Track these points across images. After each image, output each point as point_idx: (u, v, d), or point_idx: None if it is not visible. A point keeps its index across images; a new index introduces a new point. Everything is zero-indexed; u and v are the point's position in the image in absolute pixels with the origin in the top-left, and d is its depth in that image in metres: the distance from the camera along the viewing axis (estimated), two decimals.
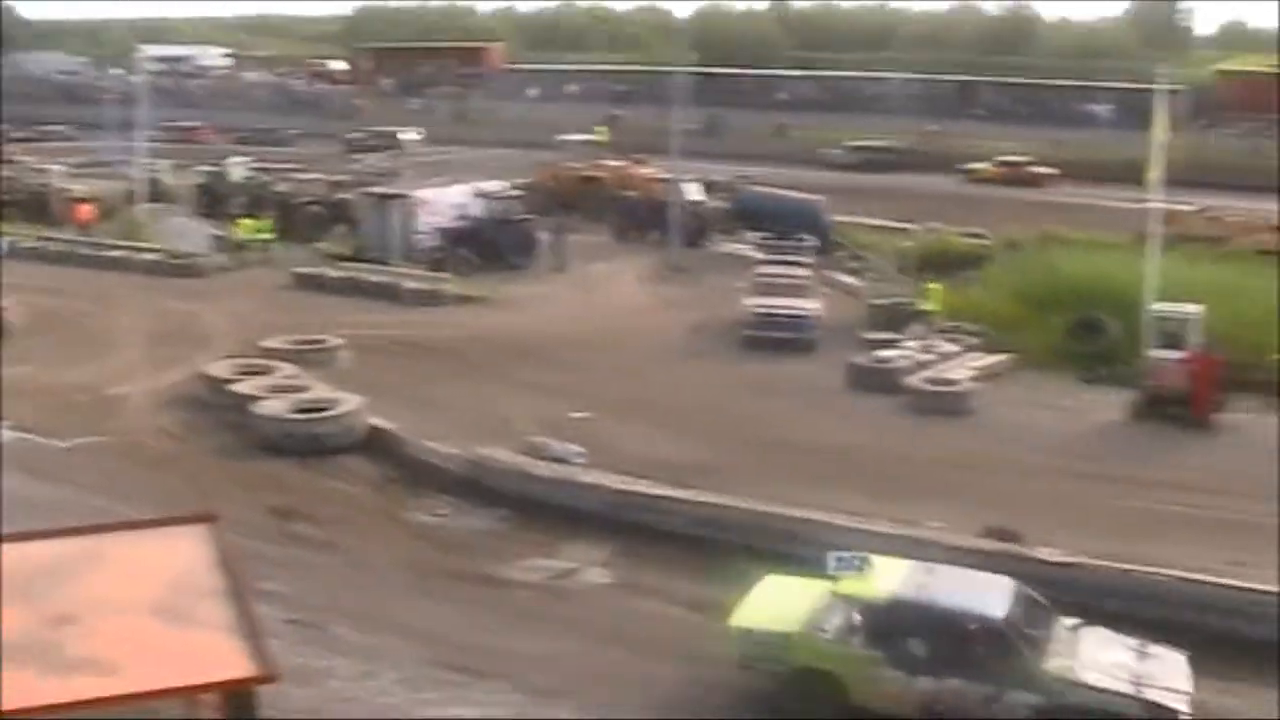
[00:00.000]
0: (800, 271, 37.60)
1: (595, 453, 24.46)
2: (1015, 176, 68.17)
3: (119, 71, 72.65)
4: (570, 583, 19.99)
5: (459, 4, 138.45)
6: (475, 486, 23.31)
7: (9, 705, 8.98)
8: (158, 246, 46.01)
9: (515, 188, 49.34)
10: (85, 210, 51.73)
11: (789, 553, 19.65)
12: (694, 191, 49.95)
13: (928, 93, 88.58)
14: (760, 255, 41.02)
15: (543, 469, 23.42)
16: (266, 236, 46.33)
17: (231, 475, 24.06)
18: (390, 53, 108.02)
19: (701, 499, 21.93)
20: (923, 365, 31.43)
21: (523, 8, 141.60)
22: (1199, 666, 15.53)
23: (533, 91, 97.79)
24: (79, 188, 55.71)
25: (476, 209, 45.39)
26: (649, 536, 21.14)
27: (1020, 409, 29.65)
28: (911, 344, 32.98)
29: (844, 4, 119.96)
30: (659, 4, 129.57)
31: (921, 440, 27.27)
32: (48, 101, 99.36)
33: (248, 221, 47.77)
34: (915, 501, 22.41)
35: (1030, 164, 69.89)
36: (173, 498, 21.67)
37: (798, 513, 21.01)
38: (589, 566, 20.44)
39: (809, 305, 35.16)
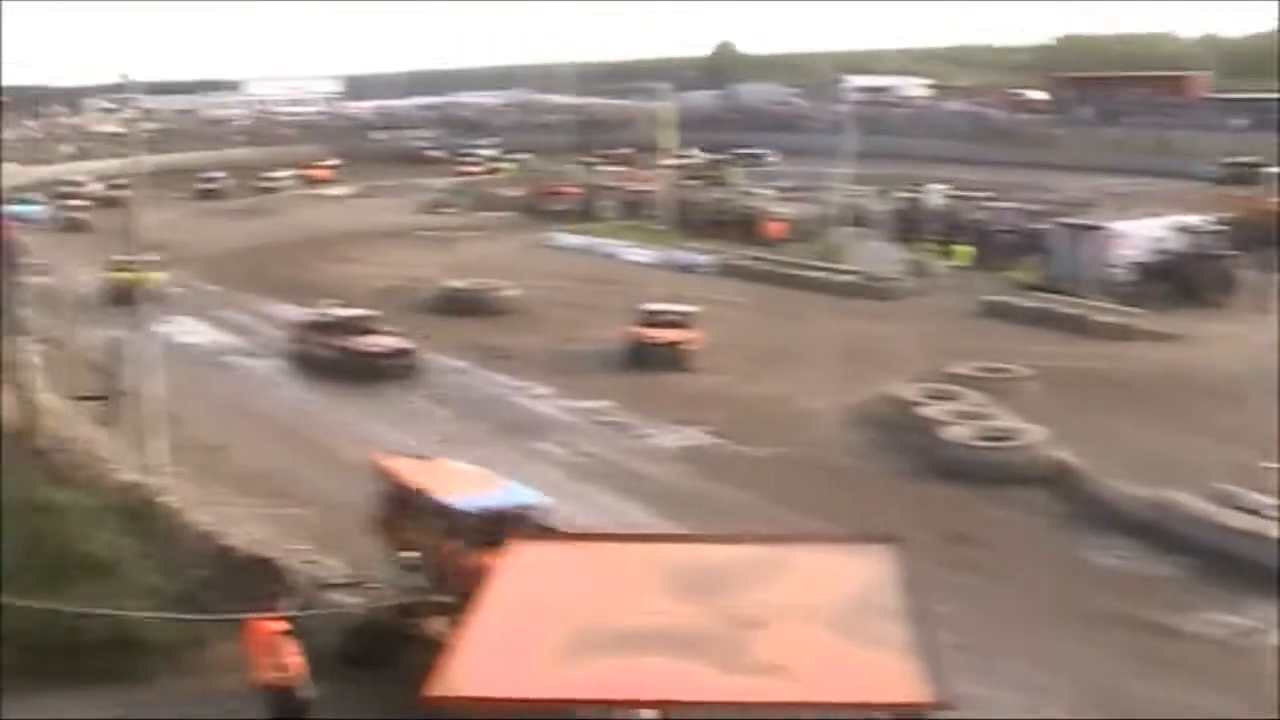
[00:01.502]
0: None
1: None
2: None
3: (825, 101, 75.45)
4: (1251, 642, 18.76)
5: (1158, 32, 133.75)
6: (1157, 531, 22.37)
7: (685, 696, 9.48)
8: (852, 269, 47.43)
9: (1215, 222, 46.82)
10: (776, 228, 54.71)
11: None
12: None
13: None
14: None
15: (1233, 519, 22.07)
16: (958, 263, 46.69)
17: (908, 496, 24.37)
18: (1089, 81, 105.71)
19: None
20: None
21: (1226, 34, 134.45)
22: None
23: (1238, 121, 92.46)
24: (783, 210, 58.51)
25: (1173, 243, 43.57)
26: None
27: None
28: None
29: None
30: None
31: None
32: (759, 129, 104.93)
33: (940, 247, 48.39)
34: None
35: None
36: (849, 513, 22.28)
37: None
38: (1274, 628, 19.11)
39: None
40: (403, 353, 34.86)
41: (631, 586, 11.14)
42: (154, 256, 43.43)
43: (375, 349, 34.71)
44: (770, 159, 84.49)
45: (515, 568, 11.67)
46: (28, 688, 15.53)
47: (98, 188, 76.07)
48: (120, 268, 40.81)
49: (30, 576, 16.91)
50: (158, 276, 43.28)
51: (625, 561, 11.92)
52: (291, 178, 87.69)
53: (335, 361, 34.77)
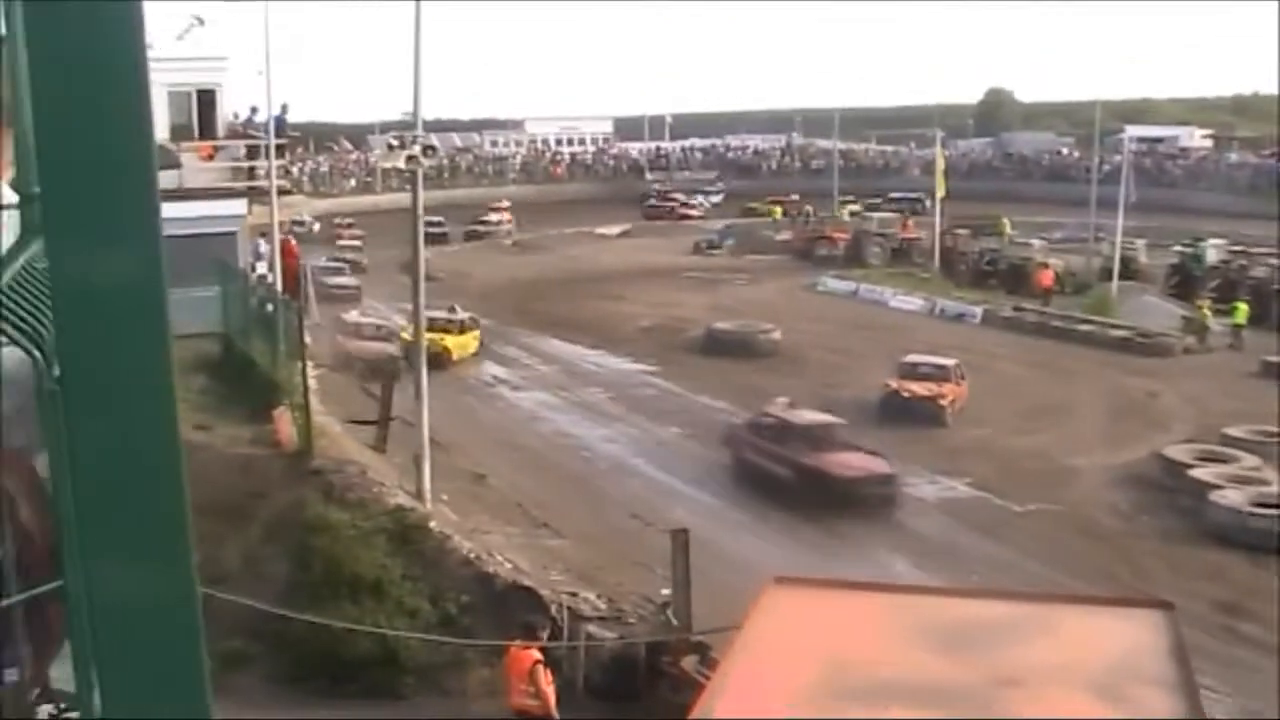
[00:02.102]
0: None
1: None
2: None
3: (1099, 150, 73.67)
4: None
5: None
6: None
7: None
8: (1124, 324, 46.18)
9: None
10: (1047, 277, 53.67)
11: None
12: None
13: None
14: None
15: None
16: (1236, 321, 45.09)
17: (1174, 560, 23.67)
18: None
19: None
20: None
21: None
22: None
23: None
24: (1054, 261, 57.29)
25: None
26: None
27: None
28: None
29: None
30: None
31: None
32: (1032, 178, 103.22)
33: (1218, 304, 46.83)
34: None
35: None
36: (1110, 575, 21.71)
37: None
38: None
39: None
40: (885, 479, 27.60)
41: (887, 636, 11.02)
42: (462, 314, 42.52)
43: (848, 472, 27.23)
44: (926, 203, 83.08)
45: (771, 611, 11.67)
46: (294, 697, 16.18)
47: (317, 226, 75.41)
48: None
49: (301, 591, 17.63)
50: (472, 341, 42.28)
51: (882, 611, 11.79)
52: (502, 220, 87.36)
53: (787, 481, 27.61)
